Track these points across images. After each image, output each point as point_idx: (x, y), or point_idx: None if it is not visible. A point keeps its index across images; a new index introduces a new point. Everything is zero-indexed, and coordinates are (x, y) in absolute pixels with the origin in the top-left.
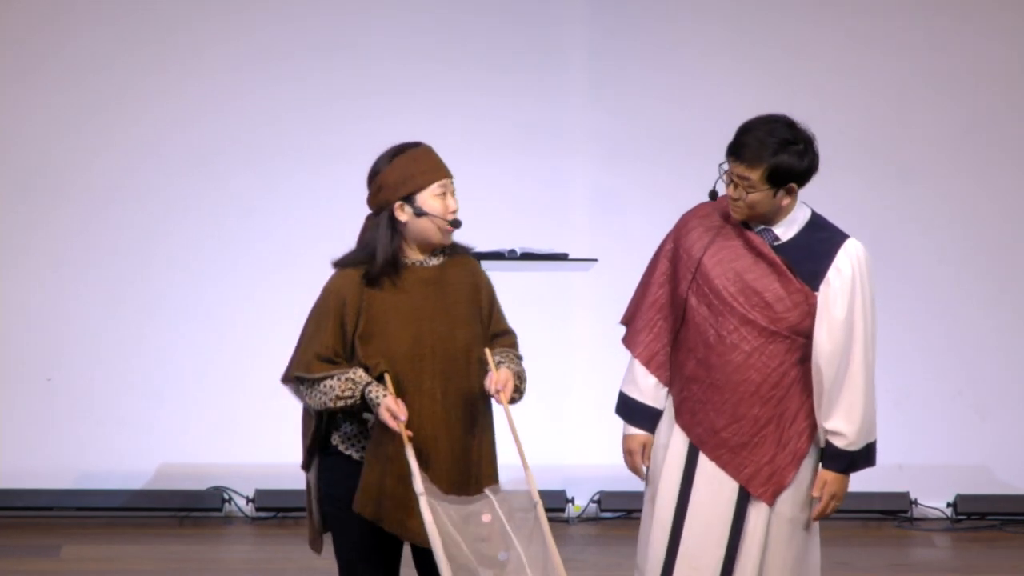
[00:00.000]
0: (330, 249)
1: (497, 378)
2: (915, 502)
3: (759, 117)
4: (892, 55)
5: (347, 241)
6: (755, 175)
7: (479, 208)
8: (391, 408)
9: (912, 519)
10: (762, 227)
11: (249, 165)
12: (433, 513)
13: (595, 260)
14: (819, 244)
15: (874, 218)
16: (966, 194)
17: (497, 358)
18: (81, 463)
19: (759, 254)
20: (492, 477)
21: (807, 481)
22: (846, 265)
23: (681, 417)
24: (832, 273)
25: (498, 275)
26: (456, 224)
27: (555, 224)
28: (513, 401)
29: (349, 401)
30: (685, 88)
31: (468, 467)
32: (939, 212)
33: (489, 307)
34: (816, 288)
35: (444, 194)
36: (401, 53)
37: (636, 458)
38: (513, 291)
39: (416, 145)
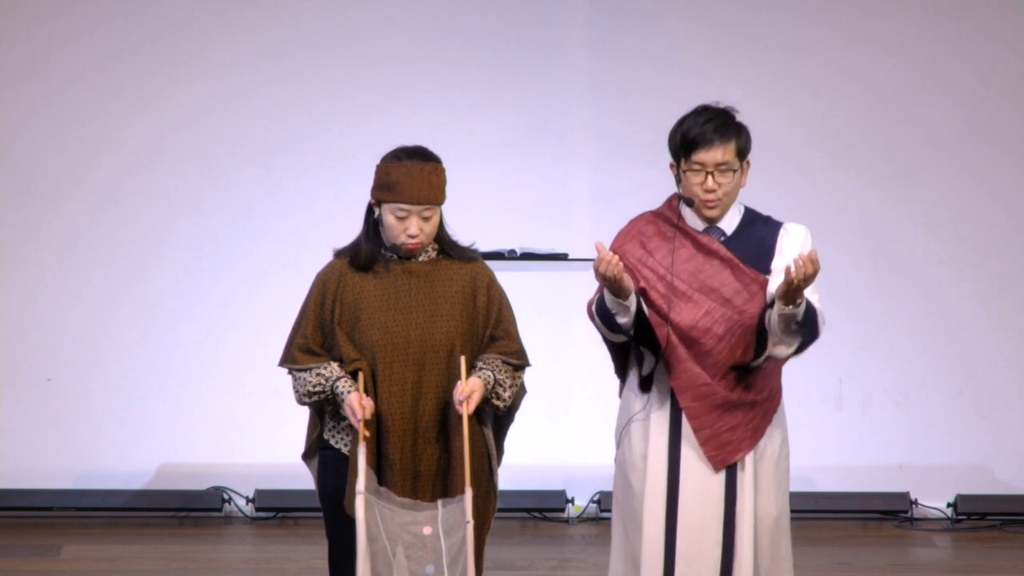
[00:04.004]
0: (331, 249)
1: (463, 387)
2: (915, 502)
3: (685, 115)
4: (892, 55)
5: (348, 242)
6: (730, 153)
7: (479, 208)
8: (352, 405)
9: (912, 519)
10: (707, 226)
11: (250, 165)
12: (369, 514)
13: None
14: (761, 231)
15: (874, 218)
16: (966, 194)
17: (479, 364)
18: (81, 463)
19: (709, 252)
20: (480, 483)
21: (784, 479)
22: (787, 241)
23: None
24: (777, 251)
25: (498, 275)
26: (395, 250)
27: (555, 224)
28: (498, 409)
29: (321, 396)
30: (685, 88)
31: (432, 464)
32: (939, 212)
33: (487, 309)
34: (767, 272)
35: (405, 217)
36: (401, 53)
37: (612, 262)
38: (513, 291)
39: (410, 158)
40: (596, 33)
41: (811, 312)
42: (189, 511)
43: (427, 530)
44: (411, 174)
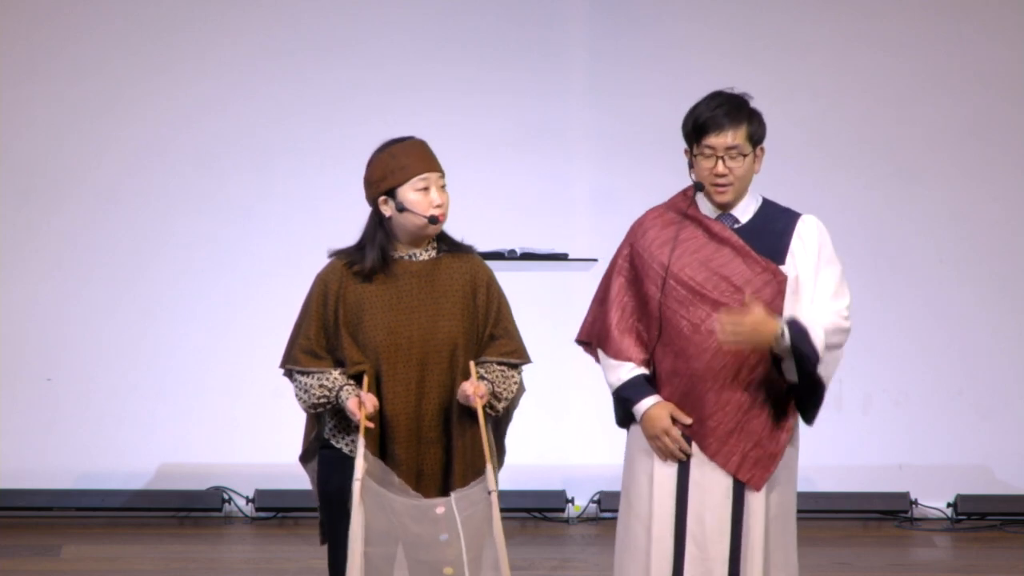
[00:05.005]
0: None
1: (474, 388)
2: (915, 502)
3: (700, 100)
4: (892, 55)
5: (348, 242)
6: (741, 137)
7: (479, 208)
8: (351, 409)
9: (912, 519)
10: (720, 213)
11: (250, 166)
12: (378, 506)
13: (595, 260)
14: (777, 222)
15: (874, 218)
16: (966, 194)
17: (481, 372)
18: (81, 463)
19: (721, 240)
20: (475, 480)
21: (790, 476)
22: (807, 235)
23: None
24: (796, 245)
25: (498, 275)
26: (433, 220)
27: (555, 224)
28: (488, 413)
29: (327, 407)
30: (685, 88)
31: (435, 463)
32: (939, 212)
33: (486, 307)
34: (782, 263)
35: (427, 188)
36: (401, 53)
37: (674, 431)
38: (513, 291)
39: (403, 139)
40: (596, 33)
41: (798, 337)
42: (189, 511)
43: (440, 509)
44: (416, 147)
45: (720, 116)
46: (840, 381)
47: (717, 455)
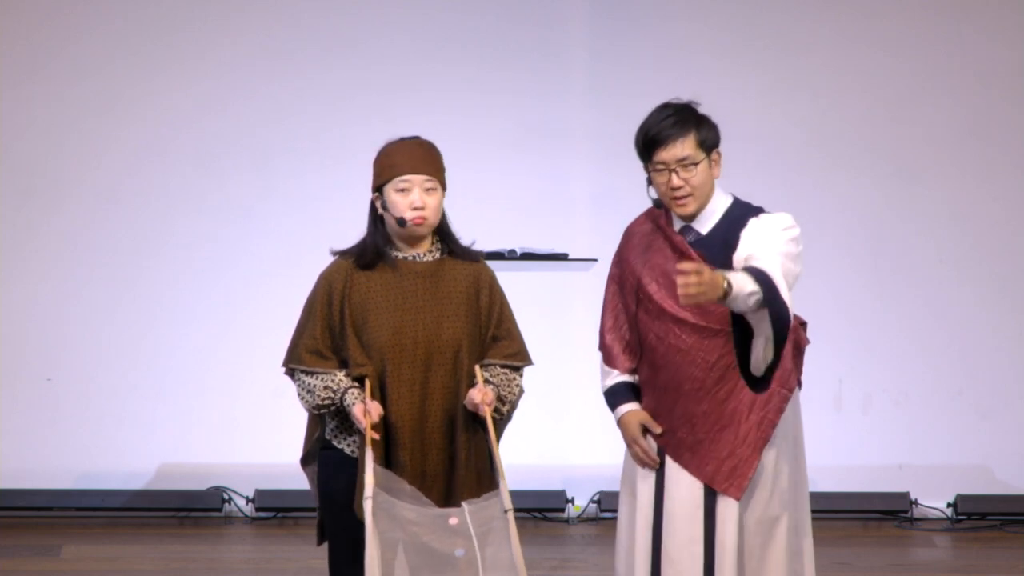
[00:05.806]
0: (329, 250)
1: (481, 394)
2: (915, 502)
3: (647, 116)
4: (892, 55)
5: (348, 241)
6: (690, 146)
7: (479, 208)
8: (357, 416)
9: (912, 519)
10: (683, 225)
11: (250, 165)
12: (389, 517)
13: (595, 260)
14: (734, 224)
15: (874, 218)
16: (967, 194)
17: (487, 375)
18: (81, 463)
19: (681, 253)
20: (482, 486)
21: (771, 480)
22: (755, 226)
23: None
24: (743, 238)
25: (498, 275)
26: (401, 223)
27: (555, 224)
28: (493, 418)
29: (331, 408)
30: (685, 88)
31: (438, 465)
32: (939, 212)
33: (489, 309)
34: (731, 265)
35: (406, 190)
36: (402, 53)
37: (642, 441)
38: (513, 291)
39: (405, 139)
40: (596, 33)
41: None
42: (189, 511)
43: (453, 520)
44: (409, 147)
45: (666, 129)
46: (840, 381)
47: (689, 465)
